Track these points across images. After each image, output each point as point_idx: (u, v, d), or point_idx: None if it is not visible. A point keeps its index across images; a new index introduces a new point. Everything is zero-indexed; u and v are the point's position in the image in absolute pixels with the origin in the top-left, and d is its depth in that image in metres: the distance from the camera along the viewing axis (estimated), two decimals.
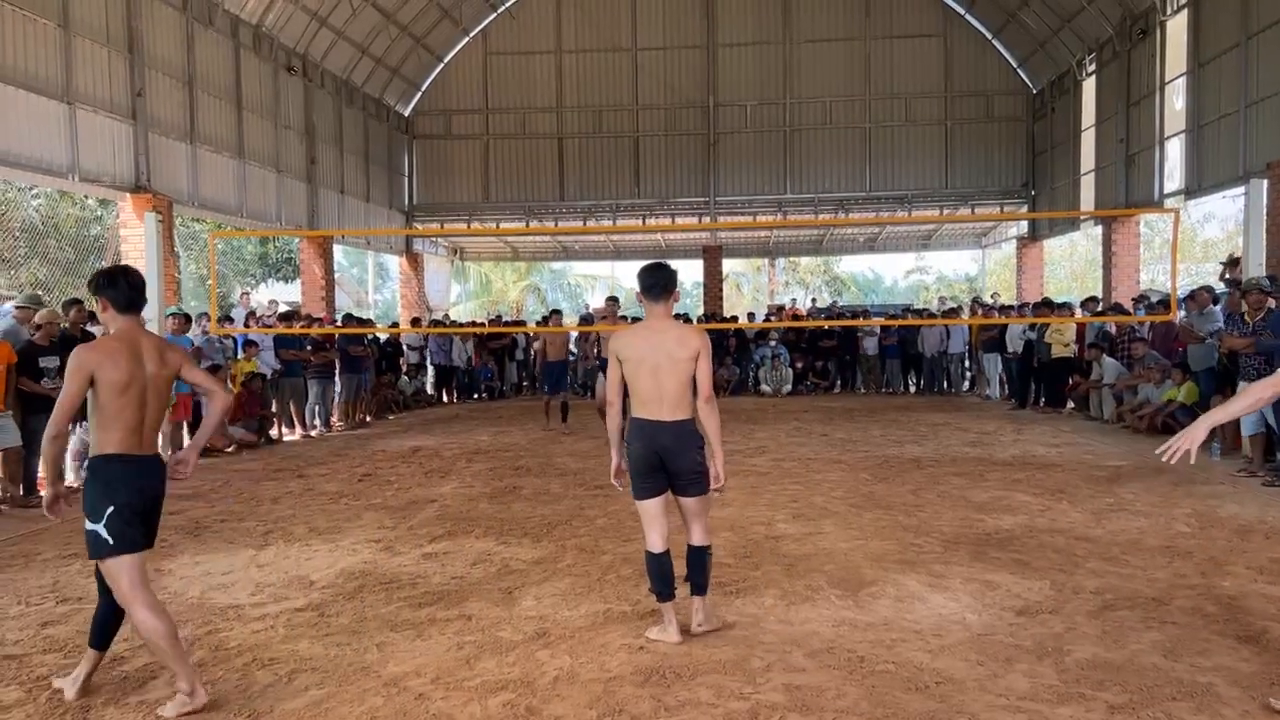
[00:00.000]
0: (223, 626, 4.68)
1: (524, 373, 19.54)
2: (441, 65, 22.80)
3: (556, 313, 13.58)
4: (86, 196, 17.41)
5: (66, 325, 8.98)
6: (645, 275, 4.39)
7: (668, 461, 4.25)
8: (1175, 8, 15.02)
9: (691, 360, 4.24)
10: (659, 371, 4.22)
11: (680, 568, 4.45)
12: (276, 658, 4.23)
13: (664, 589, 4.32)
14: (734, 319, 21.93)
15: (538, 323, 24.77)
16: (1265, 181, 12.04)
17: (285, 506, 7.81)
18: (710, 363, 4.34)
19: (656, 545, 4.32)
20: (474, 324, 21.72)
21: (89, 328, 9.50)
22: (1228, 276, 12.61)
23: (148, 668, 4.13)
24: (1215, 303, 10.83)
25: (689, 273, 33.47)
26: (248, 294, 19.39)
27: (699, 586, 4.36)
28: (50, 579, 5.64)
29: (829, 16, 21.85)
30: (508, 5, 22.36)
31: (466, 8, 21.68)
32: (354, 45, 19.02)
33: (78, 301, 9.48)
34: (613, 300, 12.59)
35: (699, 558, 4.37)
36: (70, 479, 8.96)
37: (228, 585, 5.44)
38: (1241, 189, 13.18)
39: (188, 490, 8.69)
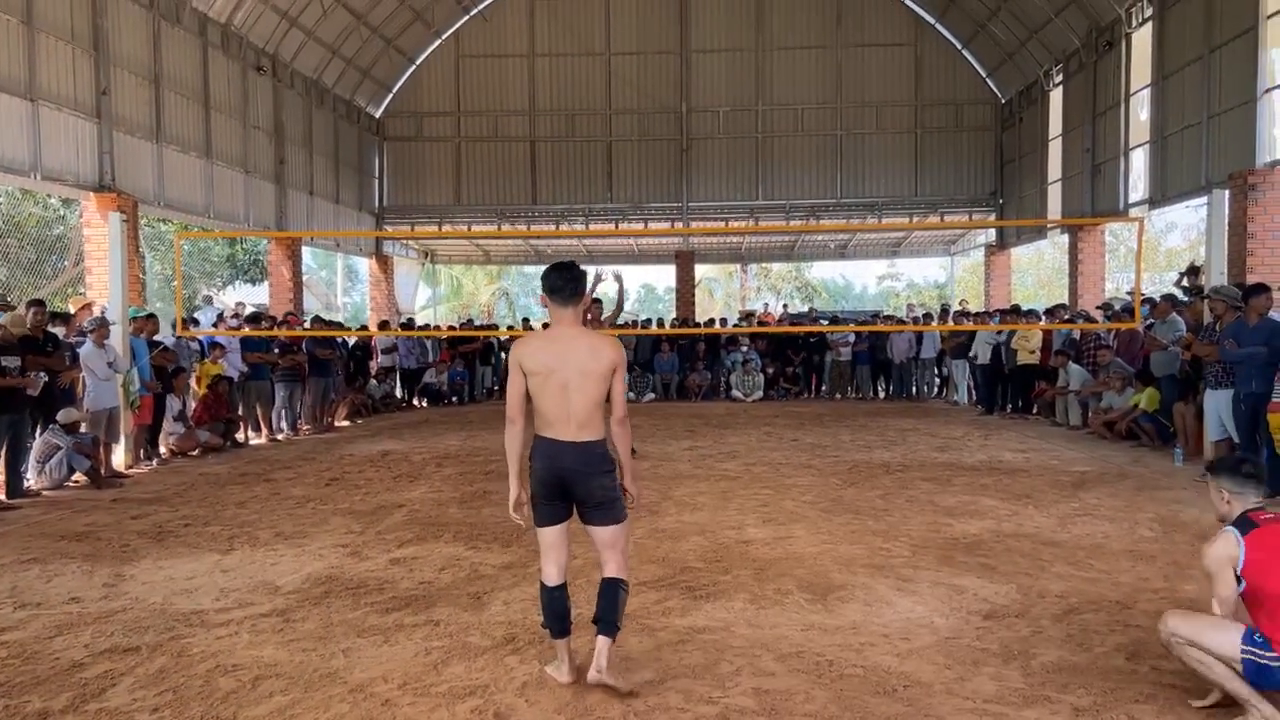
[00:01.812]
0: (186, 632, 4.61)
1: (496, 378, 19.43)
2: (413, 67, 22.67)
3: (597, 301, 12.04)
4: (49, 195, 17.12)
5: (28, 327, 8.83)
6: (553, 275, 3.87)
7: (572, 487, 3.78)
8: (1140, 20, 15.26)
9: (606, 376, 3.79)
10: (568, 387, 3.74)
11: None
12: (240, 664, 4.17)
13: (556, 625, 3.88)
14: (710, 323, 21.97)
15: (509, 327, 24.64)
16: (1227, 192, 12.23)
17: (251, 511, 7.72)
18: (625, 379, 3.92)
19: (551, 578, 3.89)
20: (451, 328, 21.58)
21: (50, 328, 9.35)
22: (1185, 284, 12.81)
23: (108, 675, 4.06)
24: (1177, 311, 11.00)
25: (662, 278, 33.45)
26: (211, 297, 19.17)
27: (608, 625, 3.79)
28: (8, 584, 5.53)
29: (801, 24, 21.98)
30: (480, 8, 22.31)
31: (439, 10, 21.59)
32: (324, 46, 18.86)
33: (39, 303, 9.32)
34: (596, 302, 11.73)
35: (611, 591, 3.83)
36: (31, 480, 8.81)
37: (191, 590, 5.36)
38: (1204, 199, 13.40)
39: (150, 494, 8.58)
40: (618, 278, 10.50)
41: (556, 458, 3.76)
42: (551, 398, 3.76)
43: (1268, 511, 3.57)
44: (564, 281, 3.85)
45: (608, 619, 3.80)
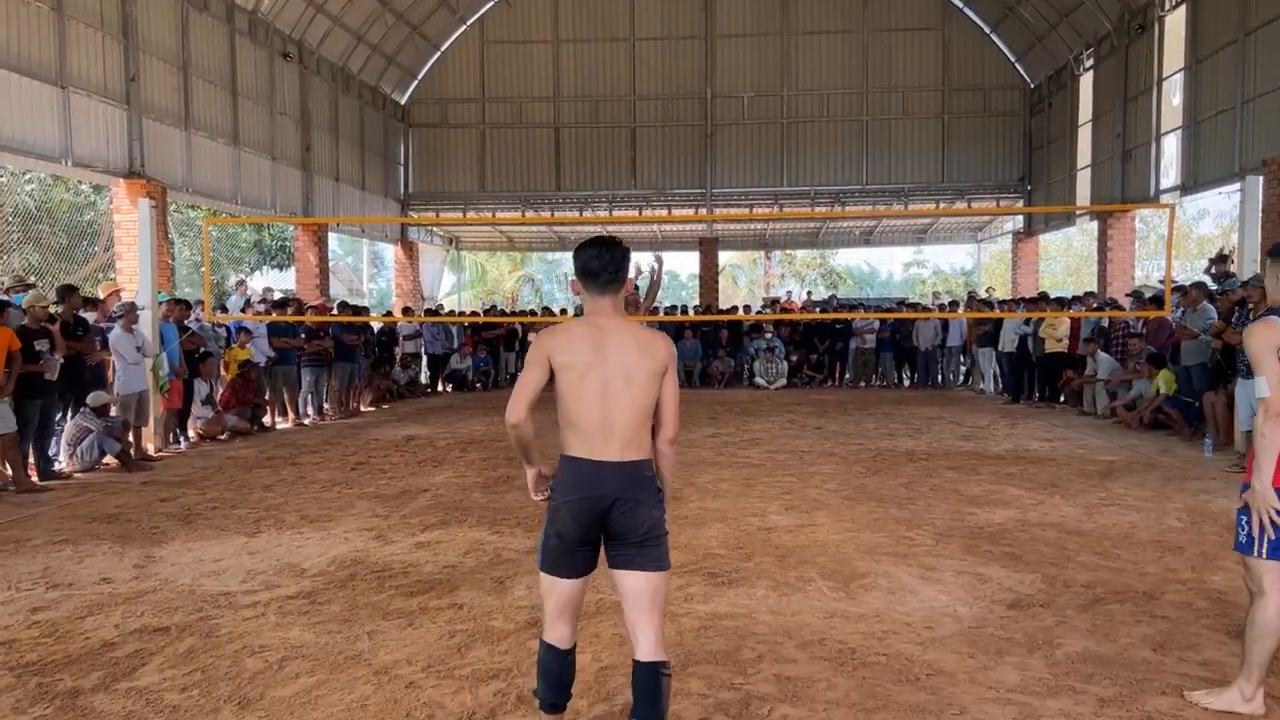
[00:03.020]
0: (214, 614, 4.67)
1: (520, 364, 19.47)
2: (438, 54, 22.71)
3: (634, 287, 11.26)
4: (80, 181, 17.33)
5: (59, 310, 8.97)
6: (588, 253, 3.05)
7: (614, 518, 2.93)
8: (1174, 3, 15.01)
9: (657, 376, 2.99)
10: (610, 389, 2.93)
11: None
12: (267, 645, 4.23)
13: (558, 698, 3.09)
14: (733, 309, 21.91)
15: (531, 312, 24.67)
16: (1261, 178, 12.04)
17: (277, 494, 7.80)
18: (676, 382, 3.10)
19: (564, 639, 3.06)
20: (474, 314, 21.68)
21: (82, 313, 9.48)
22: (1213, 271, 12.63)
23: (138, 654, 4.12)
24: (1209, 299, 10.85)
25: (685, 264, 33.39)
26: (245, 282, 19.31)
27: None
28: (40, 565, 5.63)
29: (827, 8, 21.81)
30: None
31: None
32: (350, 32, 18.93)
33: (73, 288, 9.46)
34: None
35: (653, 680, 2.90)
36: (63, 463, 8.95)
37: (219, 572, 5.43)
38: (1237, 185, 13.20)
39: (179, 477, 8.69)
40: (658, 258, 10.46)
41: (597, 484, 2.93)
42: (589, 402, 2.94)
43: None
44: (602, 263, 3.03)
45: (654, 715, 2.90)
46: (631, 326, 3.09)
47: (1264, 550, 3.37)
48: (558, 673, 3.07)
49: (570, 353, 2.97)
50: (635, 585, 2.96)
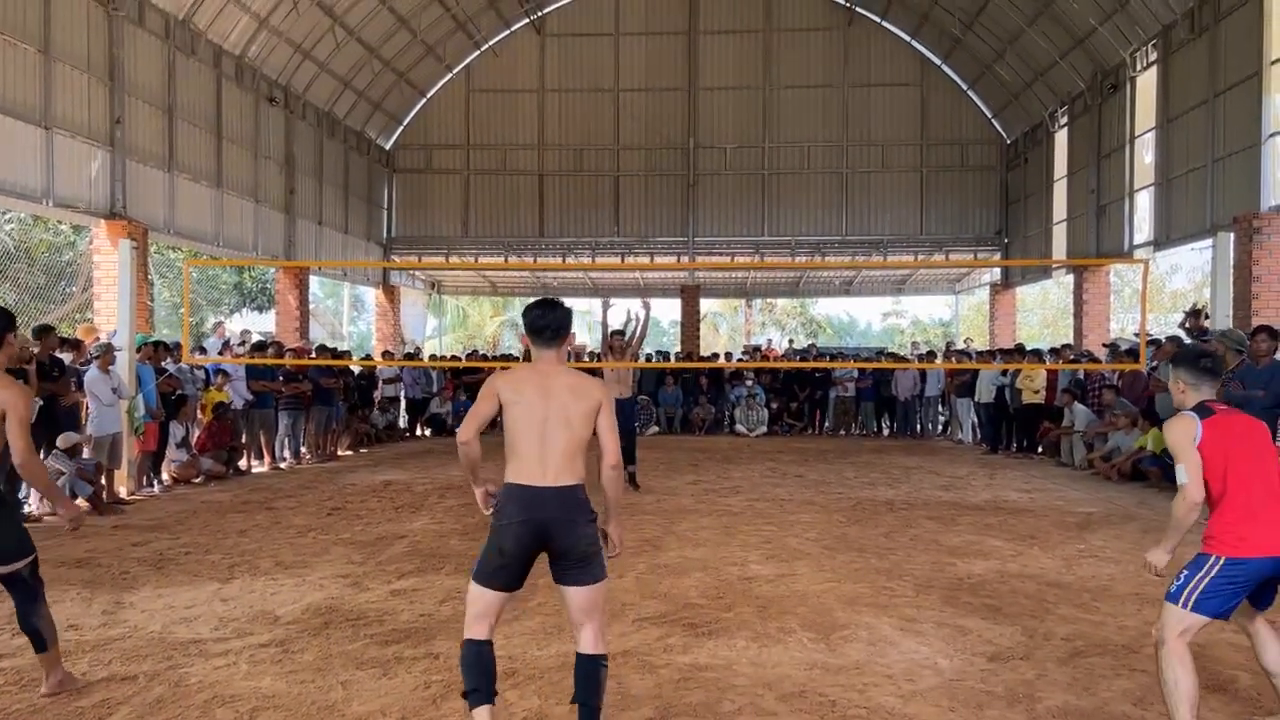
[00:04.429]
0: (184, 662, 4.58)
1: None
2: (424, 100, 22.94)
3: (619, 334, 10.92)
4: (59, 221, 17.27)
5: (35, 350, 8.87)
6: (534, 314, 3.62)
7: (552, 539, 3.42)
8: (1145, 64, 15.41)
9: (590, 415, 3.49)
10: (547, 425, 3.44)
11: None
12: (238, 695, 4.14)
13: (483, 685, 3.42)
14: (714, 357, 21.99)
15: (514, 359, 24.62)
16: (1231, 234, 12.29)
17: (251, 539, 7.69)
18: (613, 418, 3.58)
19: (480, 632, 3.49)
20: (454, 358, 21.63)
21: (58, 354, 9.38)
22: (1187, 325, 12.82)
23: (105, 703, 4.03)
24: None
25: (667, 312, 33.55)
26: (222, 324, 19.20)
27: (590, 710, 3.42)
28: (7, 610, 5.49)
29: (808, 63, 22.23)
30: (492, 43, 22.60)
31: (450, 44, 21.87)
32: (337, 78, 19.10)
33: (49, 328, 9.37)
34: (617, 334, 10.77)
35: (592, 670, 3.44)
36: (33, 506, 8.80)
37: (190, 619, 5.33)
38: (1209, 241, 13.44)
39: (152, 521, 8.56)
40: (645, 304, 10.59)
41: (536, 507, 3.41)
42: (528, 435, 3.45)
43: (1222, 405, 3.79)
44: (546, 322, 3.58)
45: (590, 703, 3.42)
46: (570, 372, 3.61)
47: (1190, 603, 3.60)
48: (475, 660, 3.45)
49: (516, 391, 3.51)
50: (577, 598, 3.48)
